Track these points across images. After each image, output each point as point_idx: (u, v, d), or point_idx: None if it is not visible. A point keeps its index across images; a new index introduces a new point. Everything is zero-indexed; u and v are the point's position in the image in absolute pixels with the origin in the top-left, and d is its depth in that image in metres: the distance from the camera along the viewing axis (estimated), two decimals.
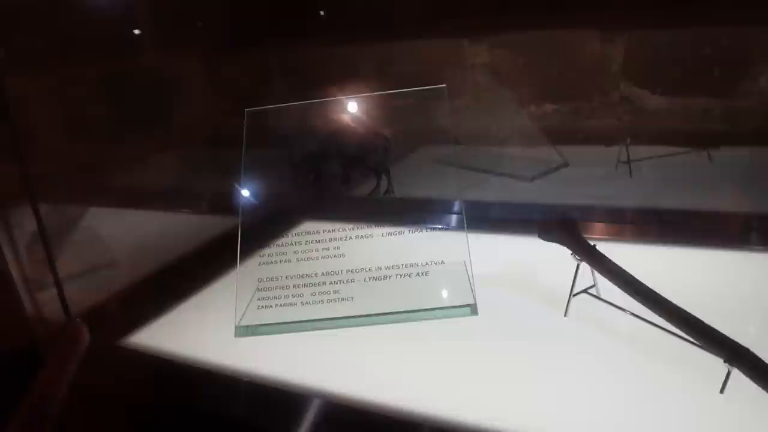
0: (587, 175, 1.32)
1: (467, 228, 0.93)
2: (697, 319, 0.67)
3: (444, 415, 0.66)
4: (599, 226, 1.16)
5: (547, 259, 0.87)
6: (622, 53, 1.16)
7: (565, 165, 1.37)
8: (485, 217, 1.19)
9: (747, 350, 0.62)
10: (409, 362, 0.77)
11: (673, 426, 0.62)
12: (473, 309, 0.86)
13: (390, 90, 1.02)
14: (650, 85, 1.15)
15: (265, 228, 1.04)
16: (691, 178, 1.26)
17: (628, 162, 1.30)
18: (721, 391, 0.64)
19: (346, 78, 1.31)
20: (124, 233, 1.13)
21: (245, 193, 0.96)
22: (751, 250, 1.00)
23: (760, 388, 0.60)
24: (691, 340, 0.68)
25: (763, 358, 0.61)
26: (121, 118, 1.28)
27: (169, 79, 1.39)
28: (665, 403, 0.65)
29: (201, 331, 0.90)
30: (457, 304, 0.86)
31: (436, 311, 0.86)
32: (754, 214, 1.10)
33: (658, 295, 0.71)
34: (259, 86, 1.49)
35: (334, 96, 1.03)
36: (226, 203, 1.04)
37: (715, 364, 0.64)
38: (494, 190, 1.31)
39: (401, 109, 1.04)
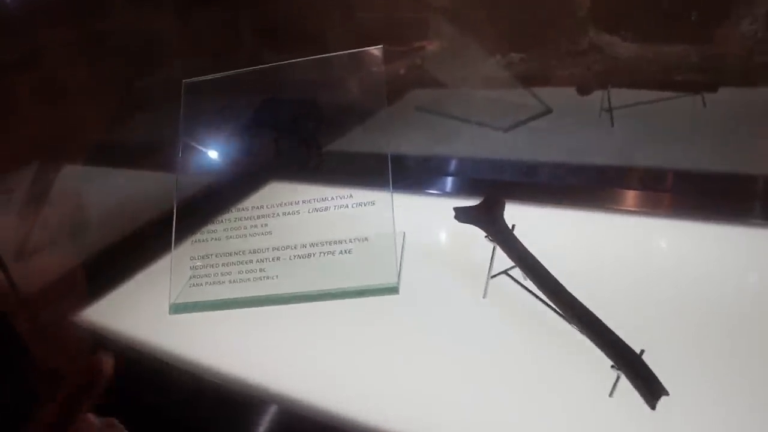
0: (565, 125, 1.24)
1: (410, 190, 0.89)
2: (596, 319, 0.63)
3: (352, 398, 0.67)
4: (568, 188, 1.09)
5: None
6: None
7: (548, 112, 1.29)
8: (437, 175, 1.14)
9: (637, 357, 0.58)
10: (326, 344, 0.77)
11: (560, 421, 0.60)
12: (395, 289, 0.84)
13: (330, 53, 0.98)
14: (621, 31, 1.04)
15: (201, 202, 1.02)
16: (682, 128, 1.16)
17: (610, 110, 1.21)
18: (610, 395, 0.61)
19: (310, 30, 1.25)
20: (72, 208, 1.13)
21: (181, 169, 0.95)
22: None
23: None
24: (585, 335, 0.63)
25: (651, 369, 0.57)
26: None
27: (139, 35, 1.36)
28: (558, 401, 0.63)
29: (141, 309, 0.92)
30: (379, 283, 0.84)
31: (357, 291, 0.84)
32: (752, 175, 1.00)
33: (564, 290, 0.67)
34: (230, 43, 1.45)
35: (296, 51, 0.98)
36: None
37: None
38: (466, 144, 1.25)
39: (340, 72, 0.99)
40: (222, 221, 0.92)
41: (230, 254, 0.91)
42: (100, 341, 0.88)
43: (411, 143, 1.27)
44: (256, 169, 1.01)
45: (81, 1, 1.17)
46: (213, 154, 0.98)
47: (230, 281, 0.89)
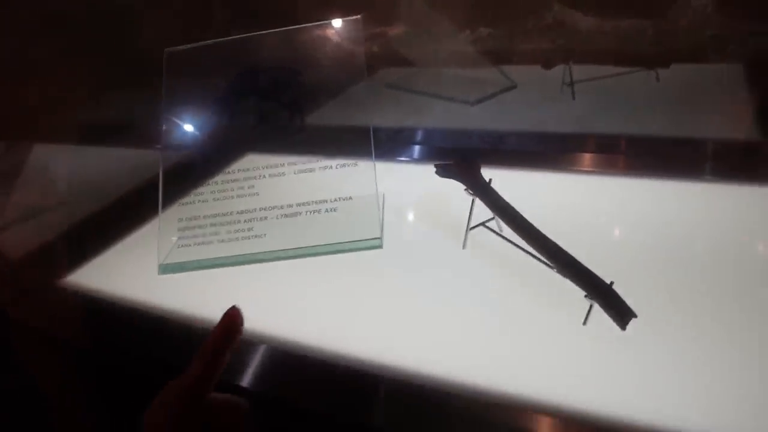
0: (529, 99, 1.31)
1: (393, 157, 0.93)
2: (568, 255, 0.69)
3: (346, 345, 0.71)
4: (535, 153, 1.15)
5: (460, 192, 0.88)
6: None
7: (513, 87, 1.36)
8: (418, 145, 1.19)
9: (607, 287, 0.64)
10: (317, 295, 0.81)
11: (539, 349, 0.66)
12: (378, 242, 0.89)
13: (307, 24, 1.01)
14: (583, 6, 1.11)
15: (187, 169, 1.05)
16: (638, 100, 1.24)
17: (572, 84, 1.29)
18: (584, 323, 0.67)
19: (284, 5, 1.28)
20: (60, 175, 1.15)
21: (165, 137, 0.97)
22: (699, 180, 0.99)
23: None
24: (562, 274, 0.70)
25: (620, 296, 0.64)
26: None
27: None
28: (536, 334, 0.69)
29: (129, 270, 0.94)
30: (363, 238, 0.89)
31: (343, 245, 0.89)
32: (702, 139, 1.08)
33: (536, 229, 0.73)
34: (203, 15, 1.47)
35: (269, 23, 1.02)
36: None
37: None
38: (435, 116, 1.31)
39: (318, 42, 1.02)
40: (209, 184, 0.96)
41: (218, 215, 0.94)
42: (89, 302, 0.90)
43: (383, 117, 1.31)
44: (240, 136, 1.04)
45: None
46: (196, 122, 1.00)
47: (219, 241, 0.92)
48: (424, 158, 1.17)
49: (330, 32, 0.99)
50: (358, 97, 1.34)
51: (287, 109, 0.99)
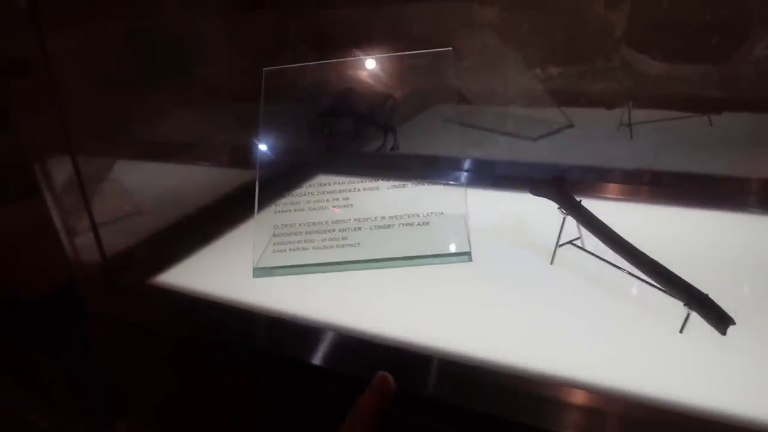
0: (589, 137, 1.38)
1: (468, 184, 1.00)
2: (664, 267, 0.74)
3: (440, 347, 0.75)
4: (599, 185, 1.22)
5: (540, 214, 0.94)
6: (625, 18, 1.20)
7: (570, 126, 1.43)
8: (488, 174, 1.26)
9: (705, 296, 0.70)
10: (410, 302, 0.86)
11: (640, 358, 0.71)
12: (468, 256, 0.94)
13: (399, 52, 1.09)
14: (650, 50, 1.20)
15: (281, 180, 1.12)
16: (690, 141, 1.31)
17: (629, 125, 1.36)
18: (681, 331, 0.72)
19: (359, 39, 1.37)
20: (153, 184, 1.22)
21: (263, 147, 1.04)
22: (746, 212, 1.06)
23: (713, 328, 0.68)
24: (658, 286, 0.75)
25: (719, 304, 0.69)
26: (146, 75, 1.35)
27: (191, 36, 1.46)
28: (634, 339, 0.73)
29: (223, 273, 1.00)
30: (454, 251, 0.95)
31: (435, 258, 0.94)
32: (751, 178, 1.15)
33: (632, 245, 0.78)
34: (275, 46, 1.56)
35: (348, 56, 1.10)
36: (246, 157, 1.12)
37: (678, 309, 0.72)
38: (500, 149, 1.38)
39: (409, 70, 1.10)
40: (304, 194, 1.02)
41: (313, 224, 1.00)
42: (184, 301, 0.95)
43: (450, 147, 1.38)
44: (335, 152, 1.11)
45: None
46: (292, 137, 1.07)
47: (313, 248, 0.98)
48: (494, 187, 1.23)
49: (421, 62, 1.06)
50: (422, 127, 1.42)
51: (381, 130, 1.06)
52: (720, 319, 0.67)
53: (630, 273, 0.80)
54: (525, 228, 1.03)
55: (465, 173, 1.24)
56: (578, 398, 0.66)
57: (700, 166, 1.20)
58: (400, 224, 0.98)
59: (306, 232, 0.99)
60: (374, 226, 0.98)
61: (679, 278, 0.73)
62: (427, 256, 0.94)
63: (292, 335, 0.83)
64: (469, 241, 0.95)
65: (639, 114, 1.34)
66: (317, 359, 0.77)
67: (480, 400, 0.67)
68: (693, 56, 1.17)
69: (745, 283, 0.83)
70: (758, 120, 1.29)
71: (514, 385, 0.68)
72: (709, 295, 0.70)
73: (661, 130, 1.34)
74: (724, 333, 0.67)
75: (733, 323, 0.67)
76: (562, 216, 0.88)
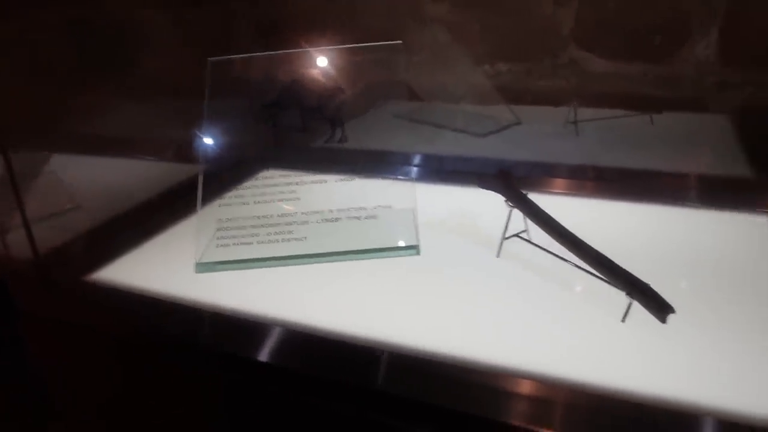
0: (537, 133, 1.39)
1: (417, 178, 0.99)
2: (608, 258, 0.75)
3: (388, 340, 0.74)
4: (546, 180, 1.23)
5: (487, 208, 0.95)
6: (572, 16, 1.22)
7: (518, 123, 1.44)
8: (436, 169, 1.26)
9: (646, 285, 0.71)
10: (358, 296, 0.85)
11: (584, 347, 0.71)
12: (416, 249, 0.93)
13: (350, 45, 1.08)
14: (596, 48, 1.22)
15: (226, 174, 1.09)
16: (633, 139, 1.34)
17: (575, 122, 1.38)
18: (623, 320, 0.73)
19: (308, 31, 1.35)
20: (92, 178, 1.17)
21: (206, 140, 1.01)
22: (685, 206, 1.08)
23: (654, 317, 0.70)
24: (601, 277, 0.76)
25: (659, 294, 0.70)
26: (85, 66, 1.30)
27: (134, 27, 1.41)
28: (579, 329, 0.74)
29: (164, 269, 0.96)
30: (402, 245, 0.94)
31: (382, 251, 0.93)
32: (690, 174, 1.18)
33: (576, 237, 0.79)
34: (223, 37, 1.52)
35: (297, 48, 1.08)
36: (190, 151, 1.09)
37: (621, 299, 0.73)
38: (449, 145, 1.38)
39: (359, 64, 1.09)
40: (250, 188, 0.99)
41: (258, 217, 0.97)
42: (121, 297, 0.91)
43: (400, 142, 1.38)
44: (282, 144, 1.09)
45: None
46: (238, 128, 1.05)
47: (258, 242, 0.96)
48: (443, 181, 1.23)
49: (371, 55, 1.05)
50: (373, 123, 1.41)
51: (329, 123, 1.04)
52: (660, 308, 0.68)
53: (574, 264, 0.81)
54: (472, 222, 1.03)
55: (414, 168, 1.24)
56: (525, 388, 0.66)
57: (642, 163, 1.23)
58: (347, 218, 0.97)
59: (251, 226, 0.97)
60: (321, 220, 0.97)
61: (622, 269, 0.74)
62: (375, 250, 0.93)
63: (237, 332, 0.80)
64: (417, 235, 0.95)
65: (585, 112, 1.36)
66: (264, 356, 0.75)
67: (429, 392, 0.66)
68: (636, 55, 1.20)
69: (684, 274, 0.85)
70: (697, 120, 1.33)
71: (463, 377, 0.68)
72: (650, 285, 0.71)
73: (606, 128, 1.36)
74: (664, 321, 0.68)
75: (673, 311, 0.68)
76: (508, 209, 0.88)
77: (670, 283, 0.77)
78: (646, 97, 1.26)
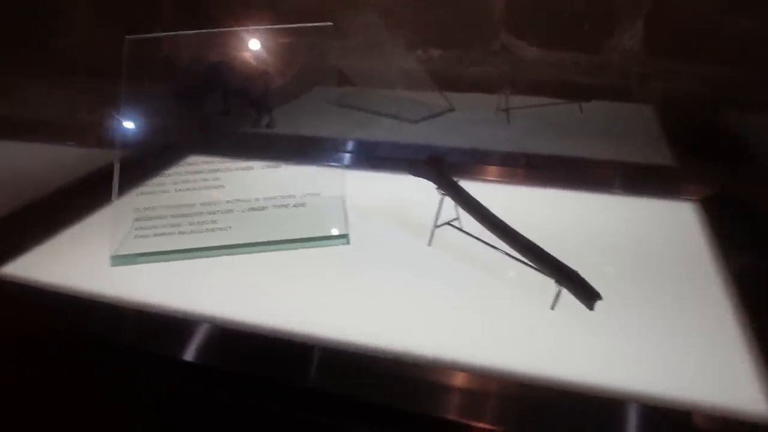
0: (469, 120, 1.39)
1: (348, 165, 0.96)
2: (537, 246, 0.75)
3: (318, 334, 0.71)
4: (478, 167, 1.23)
5: (419, 196, 0.93)
6: (504, 3, 1.21)
7: (451, 110, 1.44)
8: (367, 156, 1.24)
9: (574, 273, 0.71)
10: (286, 288, 0.81)
11: (515, 336, 0.71)
12: (346, 239, 0.91)
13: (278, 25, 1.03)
14: (527, 36, 1.22)
15: (145, 160, 1.03)
16: (562, 126, 1.36)
17: (507, 109, 1.38)
18: (552, 307, 0.73)
19: (235, 10, 1.29)
20: None
21: (124, 124, 0.95)
22: (611, 193, 1.10)
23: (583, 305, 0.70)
24: (531, 264, 0.76)
25: (587, 281, 0.70)
26: None
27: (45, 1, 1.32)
28: (509, 318, 0.74)
29: (77, 263, 0.90)
30: (330, 234, 0.91)
31: (311, 241, 0.90)
32: (615, 161, 1.20)
33: (506, 225, 0.78)
34: (146, 16, 1.44)
35: (222, 28, 1.03)
36: (107, 136, 1.02)
37: (550, 287, 0.73)
38: (381, 131, 1.36)
39: (287, 45, 1.05)
40: (170, 175, 0.94)
41: (179, 206, 0.92)
42: (32, 295, 0.85)
43: (331, 129, 1.34)
44: (204, 128, 1.04)
45: None
46: (157, 111, 0.99)
47: (179, 232, 0.91)
48: (375, 168, 1.21)
49: (301, 36, 1.01)
50: (304, 107, 1.37)
51: (255, 107, 1.00)
52: (588, 295, 0.69)
53: (505, 252, 0.80)
54: (404, 209, 1.01)
55: (344, 154, 1.21)
56: (456, 380, 0.65)
57: (571, 151, 1.25)
58: (274, 206, 0.93)
59: (171, 216, 0.92)
60: (247, 209, 0.93)
61: (551, 256, 0.74)
62: (304, 240, 0.90)
63: (157, 329, 0.76)
64: (347, 224, 0.92)
65: (516, 99, 1.37)
66: (187, 354, 0.71)
67: (361, 387, 0.64)
68: (566, 44, 1.20)
69: (611, 260, 0.86)
70: (623, 108, 1.35)
71: (394, 370, 0.66)
72: (578, 272, 0.71)
73: (537, 116, 1.37)
74: (591, 308, 0.69)
75: (600, 298, 0.68)
76: (440, 196, 0.87)
77: (598, 269, 0.78)
78: (575, 85, 1.27)
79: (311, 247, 0.90)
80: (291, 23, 1.02)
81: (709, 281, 0.81)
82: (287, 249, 0.90)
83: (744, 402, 0.60)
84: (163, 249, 0.89)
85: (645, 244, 0.91)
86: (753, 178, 1.04)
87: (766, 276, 0.83)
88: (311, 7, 1.37)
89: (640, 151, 1.21)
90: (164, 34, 0.99)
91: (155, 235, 0.90)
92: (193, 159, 0.98)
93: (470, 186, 0.88)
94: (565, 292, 0.72)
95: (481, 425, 0.59)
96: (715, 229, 0.95)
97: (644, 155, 1.19)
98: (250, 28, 1.02)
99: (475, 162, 1.25)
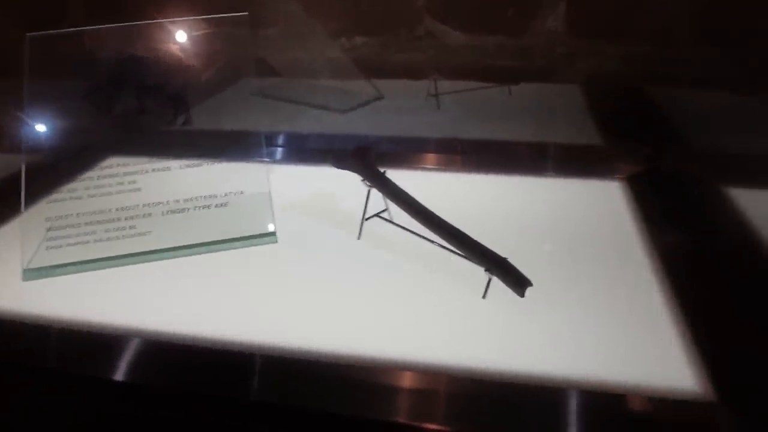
0: (398, 108, 1.37)
1: (272, 160, 0.93)
2: (465, 235, 0.74)
3: (250, 341, 0.69)
4: (409, 155, 1.22)
5: (348, 188, 0.90)
6: None
7: (380, 98, 1.41)
8: (295, 149, 1.21)
9: (503, 260, 0.70)
10: (213, 293, 0.78)
11: (448, 327, 0.70)
12: (273, 237, 0.88)
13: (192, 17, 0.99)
14: (451, 21, 1.21)
15: (58, 165, 0.97)
16: (492, 110, 1.36)
17: (436, 95, 1.37)
18: (483, 296, 0.72)
19: (149, 3, 1.23)
20: None
21: (31, 128, 0.89)
22: (543, 176, 1.10)
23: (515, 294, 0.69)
24: (461, 253, 0.75)
25: (518, 267, 0.70)
26: None
27: None
28: (441, 309, 0.72)
29: None
30: (257, 233, 0.88)
31: (237, 241, 0.87)
32: (546, 143, 1.21)
33: (434, 214, 0.77)
34: (52, 12, 1.36)
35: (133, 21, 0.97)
36: (12, 141, 0.96)
37: (481, 275, 0.72)
38: (309, 123, 1.33)
39: (203, 37, 1.00)
40: (83, 180, 0.89)
41: (94, 213, 0.87)
42: None
43: (256, 122, 1.30)
44: (117, 128, 0.98)
45: None
46: (65, 112, 0.93)
47: (95, 240, 0.86)
48: (302, 161, 1.18)
49: (215, 28, 0.97)
50: (227, 100, 1.33)
51: (171, 104, 0.95)
52: (518, 282, 0.68)
53: (435, 243, 0.79)
54: (333, 203, 0.99)
55: (271, 149, 1.17)
56: (397, 380, 0.63)
57: (502, 134, 1.25)
58: (196, 207, 0.89)
59: (86, 224, 0.87)
60: (167, 212, 0.88)
61: (479, 244, 0.73)
62: (229, 240, 0.87)
63: (79, 347, 0.72)
64: (273, 221, 0.89)
65: (445, 85, 1.36)
66: (115, 373, 0.66)
67: (301, 395, 0.62)
68: (490, 27, 1.20)
69: (542, 244, 0.87)
70: (550, 90, 1.36)
71: (330, 374, 0.64)
72: (509, 259, 0.71)
73: (466, 101, 1.37)
74: (522, 295, 0.68)
75: (530, 284, 0.68)
76: (367, 188, 0.85)
77: (528, 253, 0.78)
78: (502, 68, 1.27)
79: (238, 247, 0.87)
80: (208, 14, 0.98)
81: (637, 260, 0.82)
82: (213, 251, 0.87)
83: (673, 377, 0.61)
84: (79, 259, 0.84)
85: (574, 225, 0.91)
86: (677, 155, 1.06)
87: (691, 251, 0.85)
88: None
89: (568, 131, 1.22)
90: (69, 30, 0.93)
91: (69, 245, 0.85)
92: (109, 162, 0.93)
93: (402, 174, 0.86)
94: (497, 279, 0.71)
95: (424, 425, 0.58)
96: (641, 206, 0.96)
97: (572, 136, 1.20)
98: (163, 20, 0.96)
99: (406, 150, 1.23)
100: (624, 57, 1.20)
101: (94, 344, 0.71)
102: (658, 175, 1.03)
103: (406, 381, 0.63)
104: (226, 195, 0.90)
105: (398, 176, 0.86)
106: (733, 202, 0.93)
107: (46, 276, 0.83)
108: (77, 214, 0.87)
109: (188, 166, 0.90)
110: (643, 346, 0.66)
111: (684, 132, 1.14)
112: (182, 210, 0.88)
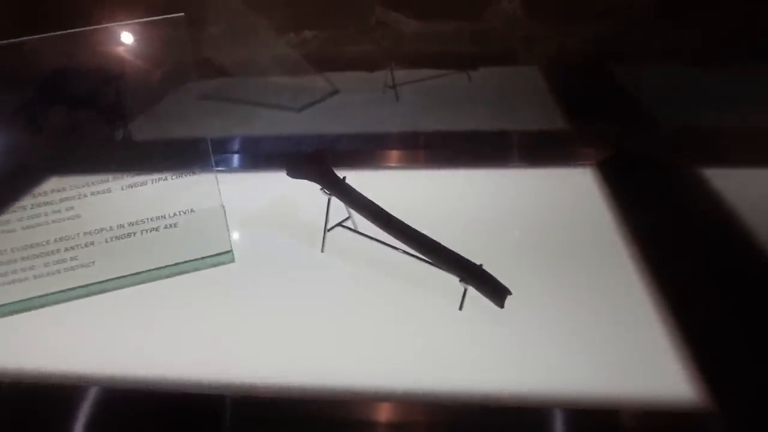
0: (356, 102, 1.31)
1: (225, 169, 0.86)
2: (435, 242, 0.69)
3: (213, 377, 0.63)
4: (371, 152, 1.16)
5: (308, 195, 0.84)
6: None
7: (335, 92, 1.35)
8: (249, 154, 1.14)
9: (478, 268, 0.65)
10: (167, 325, 0.72)
11: (421, 345, 0.65)
12: (230, 255, 0.82)
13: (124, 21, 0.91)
14: (403, 8, 1.15)
15: None
16: (453, 99, 1.30)
17: (394, 86, 1.31)
18: (460, 308, 0.67)
19: (77, 9, 1.14)
20: None
21: None
22: (509, 167, 1.06)
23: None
24: (432, 262, 0.70)
25: (493, 275, 0.65)
26: None
27: None
28: (415, 326, 0.68)
29: None
30: (212, 253, 0.82)
31: (191, 263, 0.81)
32: (511, 131, 1.16)
33: (400, 222, 0.72)
34: None
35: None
36: None
37: (456, 283, 0.67)
38: (262, 124, 1.26)
39: (138, 42, 0.92)
40: (15, 210, 0.80)
41: (30, 246, 0.79)
42: None
43: (204, 128, 1.23)
44: (48, 151, 0.89)
45: None
46: None
47: (34, 276, 0.78)
48: (258, 167, 1.12)
49: (148, 32, 0.89)
50: (172, 107, 1.24)
51: (107, 118, 0.87)
52: (496, 293, 0.63)
53: (404, 251, 0.74)
54: (292, 211, 0.93)
55: (219, 156, 1.10)
56: (372, 413, 0.58)
57: (464, 124, 1.20)
58: (142, 231, 0.82)
59: (22, 259, 0.79)
60: (110, 238, 0.81)
61: (451, 252, 0.68)
62: (181, 264, 0.80)
63: (24, 400, 0.64)
64: (229, 238, 0.83)
65: (402, 75, 1.30)
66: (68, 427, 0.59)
67: None
68: (445, 13, 1.14)
69: (517, 241, 0.82)
70: (511, 74, 1.31)
71: (302, 412, 0.59)
72: (484, 265, 0.66)
73: (425, 90, 1.31)
74: (501, 306, 0.63)
75: (509, 293, 0.63)
76: (326, 197, 0.79)
77: (504, 253, 0.75)
78: (460, 54, 1.22)
79: (191, 271, 0.81)
80: (143, 17, 0.90)
81: (616, 252, 0.79)
82: (164, 277, 0.80)
83: (663, 379, 0.58)
84: (17, 299, 0.77)
85: (548, 218, 0.88)
86: (646, 136, 1.03)
87: (666, 233, 0.82)
88: None
89: (533, 117, 1.18)
90: None
91: (4, 283, 0.77)
92: (43, 187, 0.85)
93: (364, 175, 0.81)
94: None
95: None
96: (613, 191, 0.93)
97: (537, 121, 1.16)
98: (97, 27, 0.88)
99: (367, 146, 1.18)
100: (585, 37, 1.16)
101: (39, 396, 0.65)
102: (629, 159, 1.00)
103: (383, 414, 0.58)
104: (175, 215, 0.83)
105: (360, 177, 0.80)
106: (708, 182, 0.90)
107: None
108: (11, 249, 0.79)
109: (131, 185, 0.82)
110: (630, 346, 0.63)
111: (652, 111, 1.10)
112: (127, 235, 0.81)
